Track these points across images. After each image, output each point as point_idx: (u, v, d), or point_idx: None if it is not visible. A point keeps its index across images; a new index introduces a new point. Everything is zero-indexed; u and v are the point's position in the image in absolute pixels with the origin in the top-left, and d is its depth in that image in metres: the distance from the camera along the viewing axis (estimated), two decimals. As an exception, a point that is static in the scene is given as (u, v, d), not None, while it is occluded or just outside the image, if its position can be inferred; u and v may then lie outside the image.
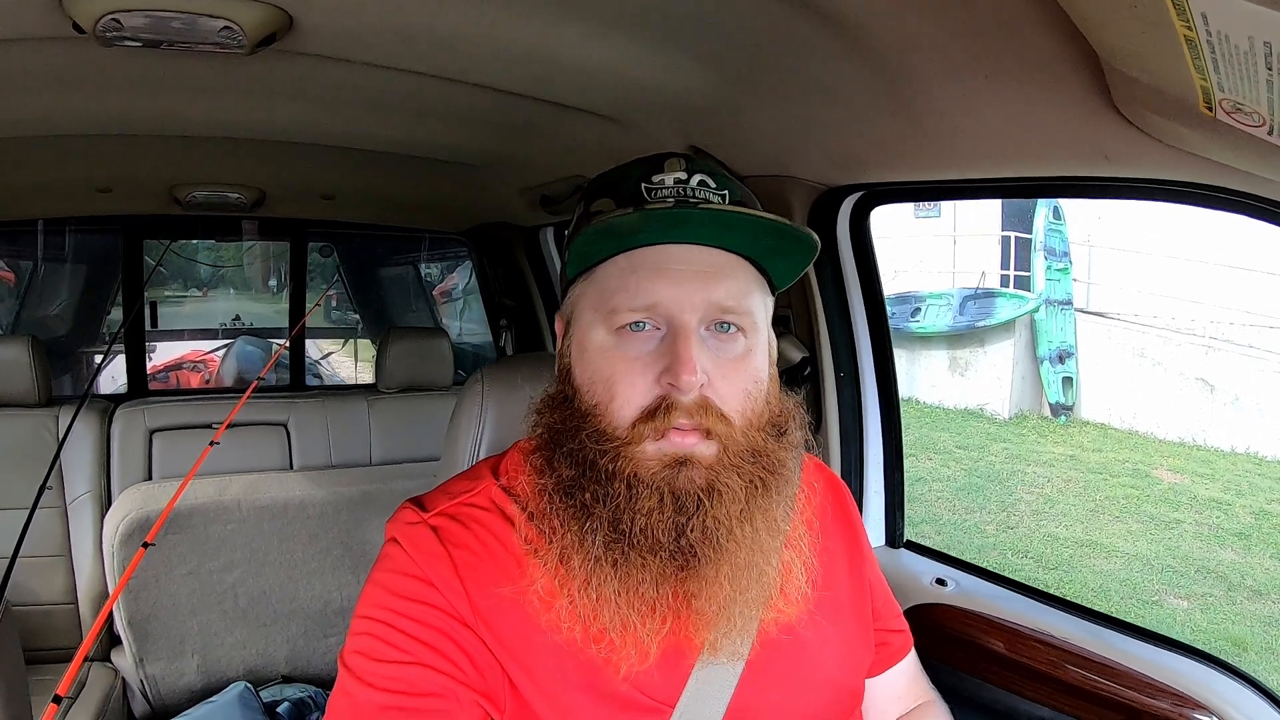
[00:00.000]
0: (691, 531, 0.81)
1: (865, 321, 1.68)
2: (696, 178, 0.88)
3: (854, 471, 1.71)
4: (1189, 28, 0.66)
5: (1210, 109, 0.79)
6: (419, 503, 0.92)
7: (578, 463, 0.84)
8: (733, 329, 0.86)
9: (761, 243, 0.87)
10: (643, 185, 0.87)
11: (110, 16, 1.11)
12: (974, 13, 0.93)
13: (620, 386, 0.83)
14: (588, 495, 0.83)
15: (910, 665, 1.12)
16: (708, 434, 0.82)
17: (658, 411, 0.81)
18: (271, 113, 1.76)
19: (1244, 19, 0.61)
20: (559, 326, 0.95)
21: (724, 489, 0.82)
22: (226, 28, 1.15)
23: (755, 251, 0.88)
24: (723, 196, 0.87)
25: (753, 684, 0.89)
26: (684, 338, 0.82)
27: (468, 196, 2.73)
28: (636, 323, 0.84)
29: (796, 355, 1.65)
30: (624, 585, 0.81)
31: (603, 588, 0.81)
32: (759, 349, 0.88)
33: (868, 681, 1.04)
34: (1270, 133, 0.77)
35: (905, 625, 1.13)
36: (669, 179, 0.88)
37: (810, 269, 1.37)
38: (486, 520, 0.88)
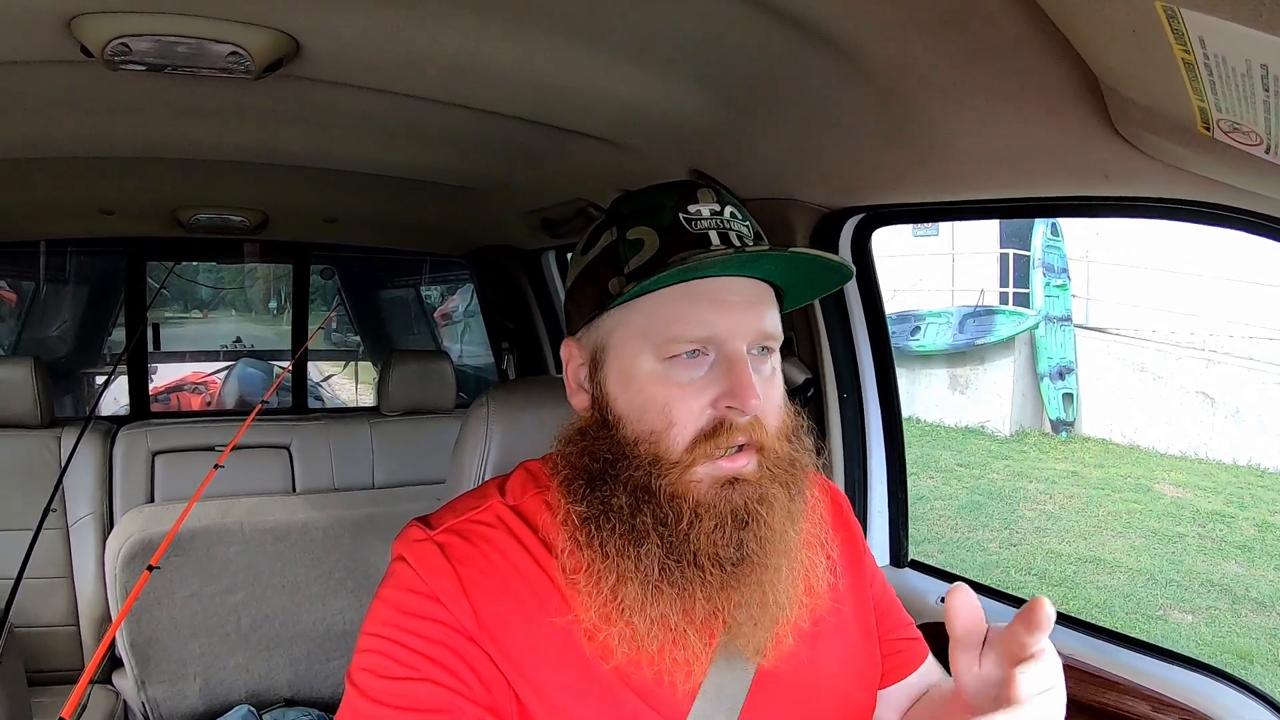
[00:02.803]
0: (750, 543, 0.84)
1: (868, 342, 1.69)
2: (728, 209, 0.91)
3: (858, 492, 1.71)
4: (1187, 51, 0.67)
5: (1208, 129, 0.80)
6: (425, 521, 0.92)
7: (634, 489, 0.85)
8: (765, 350, 0.89)
9: (804, 275, 0.91)
10: (680, 215, 0.89)
11: (119, 41, 1.12)
12: (973, 37, 0.94)
13: (678, 412, 0.84)
14: (645, 520, 0.84)
15: (931, 671, 1.11)
16: (760, 449, 0.85)
17: (717, 432, 0.84)
18: (276, 137, 1.77)
19: (1241, 42, 0.62)
20: (566, 352, 0.95)
21: (772, 498, 0.86)
22: (234, 53, 1.16)
23: (793, 281, 0.92)
24: (746, 227, 0.91)
25: (762, 696, 0.89)
26: (742, 364, 0.84)
27: (469, 220, 2.74)
28: (690, 351, 0.85)
29: (800, 377, 1.65)
30: (682, 604, 0.84)
31: (662, 609, 0.83)
32: (779, 364, 0.92)
33: (885, 692, 1.04)
34: (1268, 151, 0.78)
35: (919, 635, 1.13)
36: (705, 210, 0.90)
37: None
38: (493, 537, 0.88)
